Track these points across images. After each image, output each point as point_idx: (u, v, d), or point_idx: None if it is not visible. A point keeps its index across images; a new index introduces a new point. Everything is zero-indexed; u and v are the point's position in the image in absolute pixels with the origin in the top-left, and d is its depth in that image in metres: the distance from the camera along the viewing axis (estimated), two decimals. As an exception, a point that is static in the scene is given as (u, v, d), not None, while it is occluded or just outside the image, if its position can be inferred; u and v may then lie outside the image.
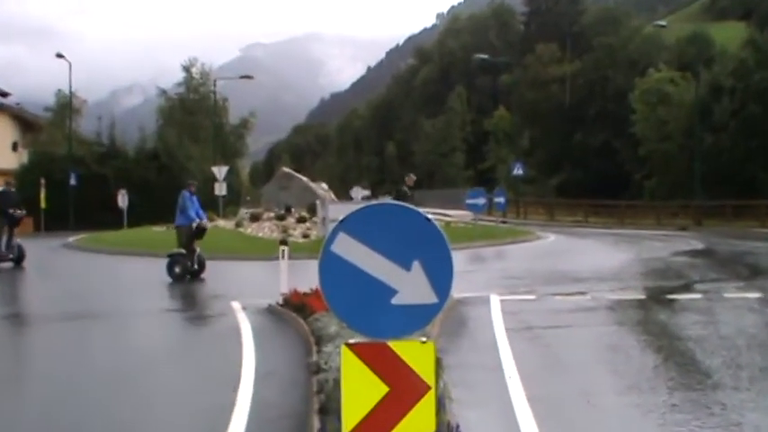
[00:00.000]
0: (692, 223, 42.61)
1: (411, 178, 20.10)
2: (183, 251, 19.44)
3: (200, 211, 20.34)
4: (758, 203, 40.68)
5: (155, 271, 20.61)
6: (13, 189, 24.06)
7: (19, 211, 23.55)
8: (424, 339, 3.97)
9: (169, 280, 19.05)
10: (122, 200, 44.60)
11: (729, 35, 67.72)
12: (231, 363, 9.87)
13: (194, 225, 19.75)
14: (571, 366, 9.75)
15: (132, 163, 54.84)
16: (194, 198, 20.44)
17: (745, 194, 43.87)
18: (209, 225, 21.86)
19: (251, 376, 9.15)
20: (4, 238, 22.96)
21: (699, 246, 28.33)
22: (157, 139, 62.54)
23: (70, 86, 56.15)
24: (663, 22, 63.81)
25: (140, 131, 61.52)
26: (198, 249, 19.80)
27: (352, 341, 3.96)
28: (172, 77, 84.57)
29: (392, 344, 3.92)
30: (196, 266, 19.66)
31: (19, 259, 23.24)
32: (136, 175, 52.22)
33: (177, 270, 19.26)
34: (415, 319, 3.94)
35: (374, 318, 3.90)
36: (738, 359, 9.55)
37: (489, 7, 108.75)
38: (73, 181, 48.56)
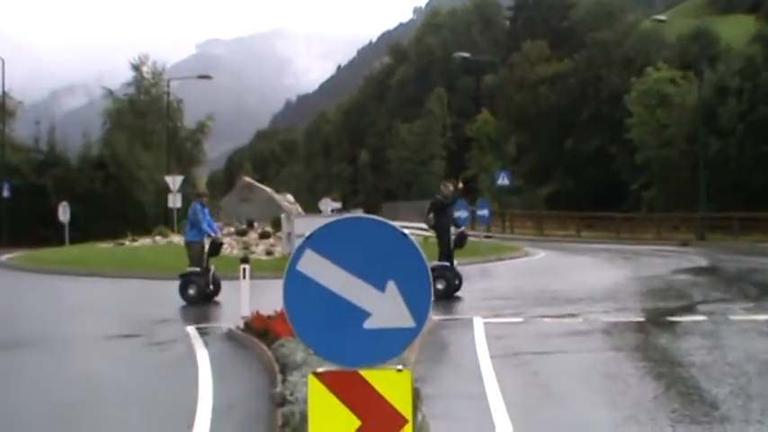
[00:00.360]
0: (694, 237, 42.94)
1: (447, 187, 20.03)
2: (198, 270, 19.17)
3: (214, 225, 20.00)
4: (768, 216, 41.04)
5: (100, 293, 20.51)
6: None
7: None
8: (400, 367, 3.96)
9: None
10: (63, 213, 44.16)
11: (736, 30, 68.38)
12: (186, 395, 9.81)
13: (208, 241, 19.45)
14: (563, 396, 9.77)
15: (75, 172, 54.59)
16: (206, 210, 20.20)
17: (753, 206, 44.16)
18: (224, 240, 21.56)
19: (208, 410, 9.10)
20: None
21: (702, 262, 28.55)
22: (104, 145, 62.34)
23: (3, 85, 55.79)
24: (662, 17, 64.29)
25: (84, 137, 61.31)
26: (212, 268, 19.48)
27: (320, 370, 3.94)
28: (120, 77, 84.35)
29: (364, 372, 3.91)
30: (212, 287, 19.37)
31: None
32: (79, 186, 52.00)
33: (191, 292, 18.98)
34: (389, 345, 3.93)
35: (344, 344, 3.89)
36: (748, 388, 9.59)
37: (472, 1, 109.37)
38: (6, 192, 48.24)
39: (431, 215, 19.85)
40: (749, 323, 14.35)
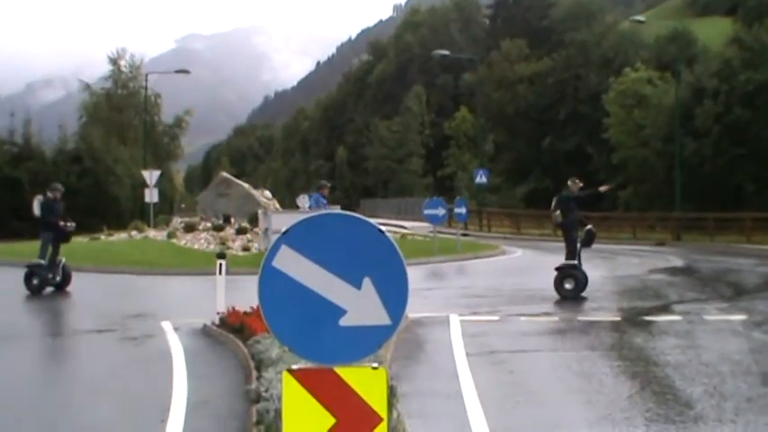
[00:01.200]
0: (670, 237, 43.11)
1: (576, 183, 19.58)
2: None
3: None
4: (743, 216, 41.22)
5: (74, 287, 20.35)
6: (58, 196, 22.31)
7: (69, 224, 21.77)
8: (375, 365, 3.94)
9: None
10: (38, 207, 43.74)
11: (713, 32, 68.77)
12: (160, 391, 9.75)
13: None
14: (538, 395, 9.78)
15: (50, 165, 54.19)
16: (326, 202, 20.42)
17: (729, 206, 44.44)
18: None
19: (182, 406, 9.05)
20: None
21: (678, 262, 28.67)
22: (80, 138, 61.96)
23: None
24: (641, 18, 64.52)
25: (60, 130, 60.85)
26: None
27: (295, 367, 3.91)
28: (97, 70, 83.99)
29: (339, 370, 3.89)
30: None
31: (64, 282, 21.09)
32: (55, 179, 51.44)
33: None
34: (365, 343, 3.91)
35: (320, 341, 3.86)
36: (722, 388, 9.64)
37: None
38: (-21, 185, 47.79)
39: (557, 212, 19.15)
40: (724, 323, 14.41)
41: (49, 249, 20.79)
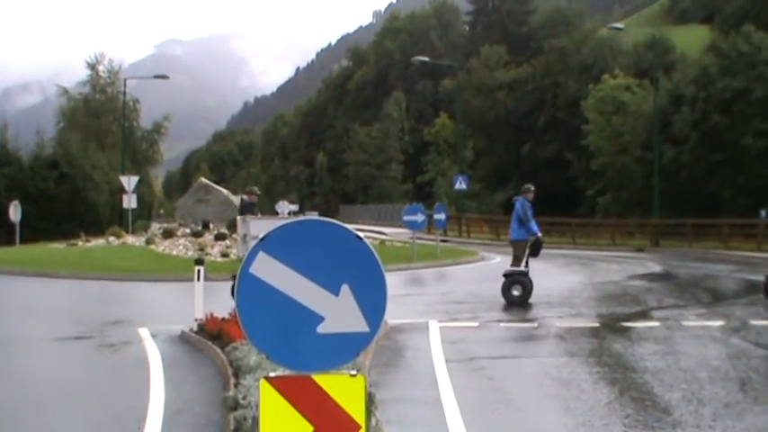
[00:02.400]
0: (649, 244, 43.29)
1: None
2: (524, 269, 18.62)
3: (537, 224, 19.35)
4: (721, 222, 41.47)
5: (51, 294, 20.22)
6: None
7: None
8: (353, 372, 3.91)
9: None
10: (14, 213, 43.42)
11: (690, 40, 69.34)
12: (136, 399, 9.67)
13: (531, 240, 18.92)
14: (517, 402, 9.77)
15: (27, 171, 53.94)
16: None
17: (707, 213, 44.73)
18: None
19: (159, 414, 8.98)
20: None
21: (657, 268, 28.79)
22: (57, 144, 61.69)
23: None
24: (619, 25, 64.93)
25: (38, 135, 60.56)
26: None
27: (272, 374, 3.88)
28: (75, 75, 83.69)
29: (317, 377, 3.86)
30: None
31: None
32: (31, 185, 51.41)
33: (516, 293, 18.37)
34: (343, 350, 3.88)
35: (297, 348, 3.83)
36: (700, 394, 9.66)
37: (431, 5, 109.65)
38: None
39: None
40: (702, 329, 14.46)
41: None
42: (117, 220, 47.39)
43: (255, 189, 22.30)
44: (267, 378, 3.87)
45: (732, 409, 9.02)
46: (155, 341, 13.56)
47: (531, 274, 18.90)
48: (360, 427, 3.88)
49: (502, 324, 15.27)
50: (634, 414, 8.80)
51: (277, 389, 3.85)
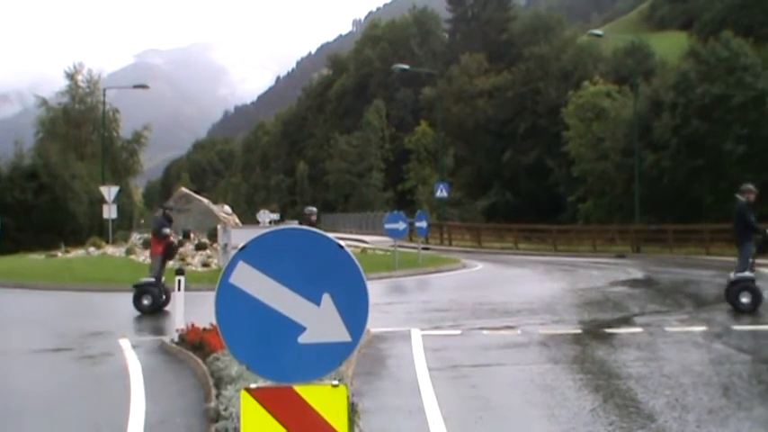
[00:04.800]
0: (630, 250, 43.42)
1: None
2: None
3: None
4: (701, 228, 41.60)
5: (30, 305, 20.07)
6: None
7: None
8: (335, 383, 3.87)
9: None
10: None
11: (669, 46, 69.70)
12: (117, 410, 9.60)
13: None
14: (500, 409, 9.74)
15: (6, 181, 53.66)
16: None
17: (688, 219, 44.85)
18: None
19: (140, 426, 8.93)
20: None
21: (638, 274, 28.85)
22: (36, 154, 61.44)
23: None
24: (599, 32, 65.20)
25: (16, 145, 60.30)
26: None
27: (253, 385, 3.84)
28: (54, 85, 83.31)
29: (299, 388, 3.81)
30: None
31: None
32: (10, 196, 51.10)
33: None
34: (325, 360, 3.84)
35: (278, 359, 3.79)
36: (684, 399, 9.68)
37: (411, 13, 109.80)
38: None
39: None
40: (684, 335, 14.49)
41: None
42: (97, 230, 47.20)
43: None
44: (248, 389, 3.82)
45: (716, 414, 9.02)
46: (135, 352, 13.48)
47: (512, 281, 18.91)
48: (342, 438, 3.84)
49: (484, 332, 15.25)
50: (618, 421, 8.79)
51: (258, 400, 3.81)
